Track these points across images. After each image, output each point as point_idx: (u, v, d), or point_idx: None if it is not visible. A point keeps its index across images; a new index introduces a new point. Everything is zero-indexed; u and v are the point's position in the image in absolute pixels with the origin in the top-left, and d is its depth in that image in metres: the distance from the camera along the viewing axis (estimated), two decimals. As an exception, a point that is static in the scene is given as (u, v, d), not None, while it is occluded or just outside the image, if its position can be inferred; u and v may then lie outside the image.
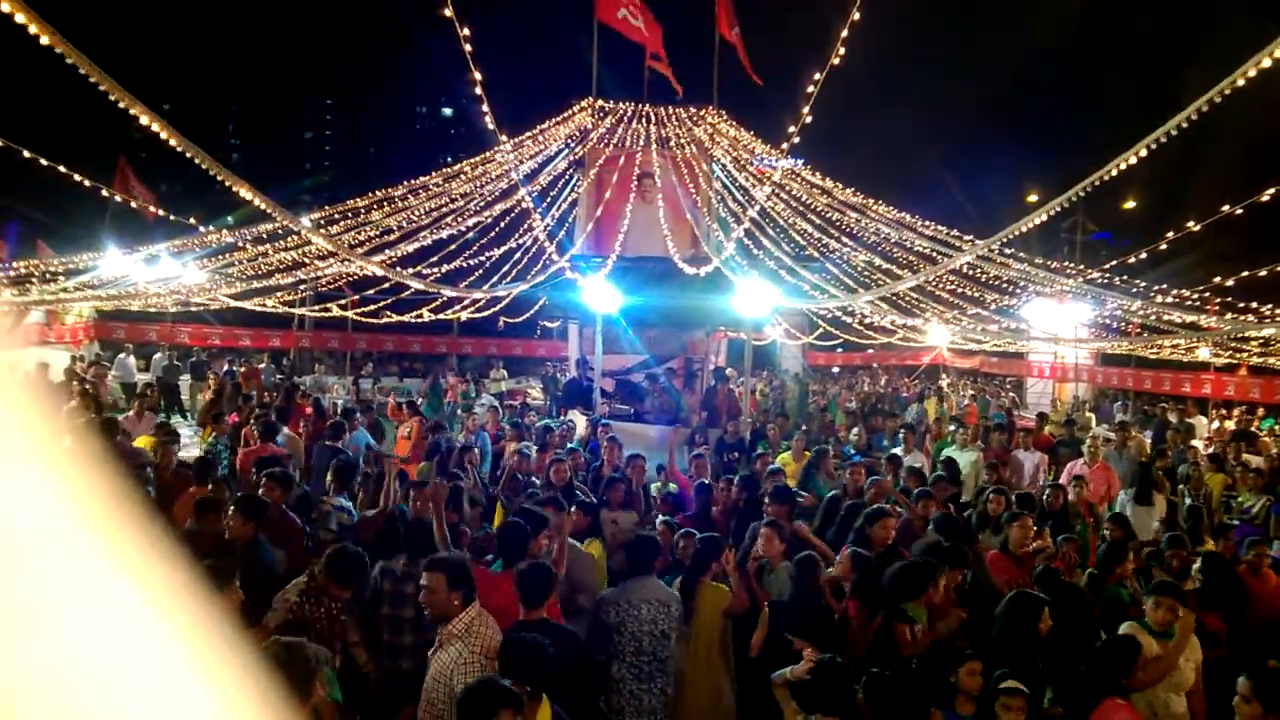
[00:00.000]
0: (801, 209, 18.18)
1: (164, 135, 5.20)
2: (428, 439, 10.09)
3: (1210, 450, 13.18)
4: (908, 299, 18.37)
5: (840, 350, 34.14)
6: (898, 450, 10.79)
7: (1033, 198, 30.21)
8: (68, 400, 11.71)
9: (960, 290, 17.82)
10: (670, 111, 20.83)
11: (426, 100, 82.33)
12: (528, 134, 19.63)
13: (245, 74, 68.74)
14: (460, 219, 18.32)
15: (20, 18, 4.11)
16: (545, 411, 17.46)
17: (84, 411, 10.94)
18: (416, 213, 17.59)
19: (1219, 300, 15.82)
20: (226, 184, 6.03)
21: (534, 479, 8.19)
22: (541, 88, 31.41)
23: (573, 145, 19.68)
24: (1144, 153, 5.61)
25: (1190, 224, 13.57)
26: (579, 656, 4.76)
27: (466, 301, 22.50)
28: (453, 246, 19.00)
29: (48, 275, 17.32)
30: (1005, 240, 8.75)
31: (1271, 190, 9.91)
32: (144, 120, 5.00)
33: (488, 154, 19.73)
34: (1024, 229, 7.60)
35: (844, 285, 17.01)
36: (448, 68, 55.30)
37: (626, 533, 6.84)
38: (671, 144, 19.79)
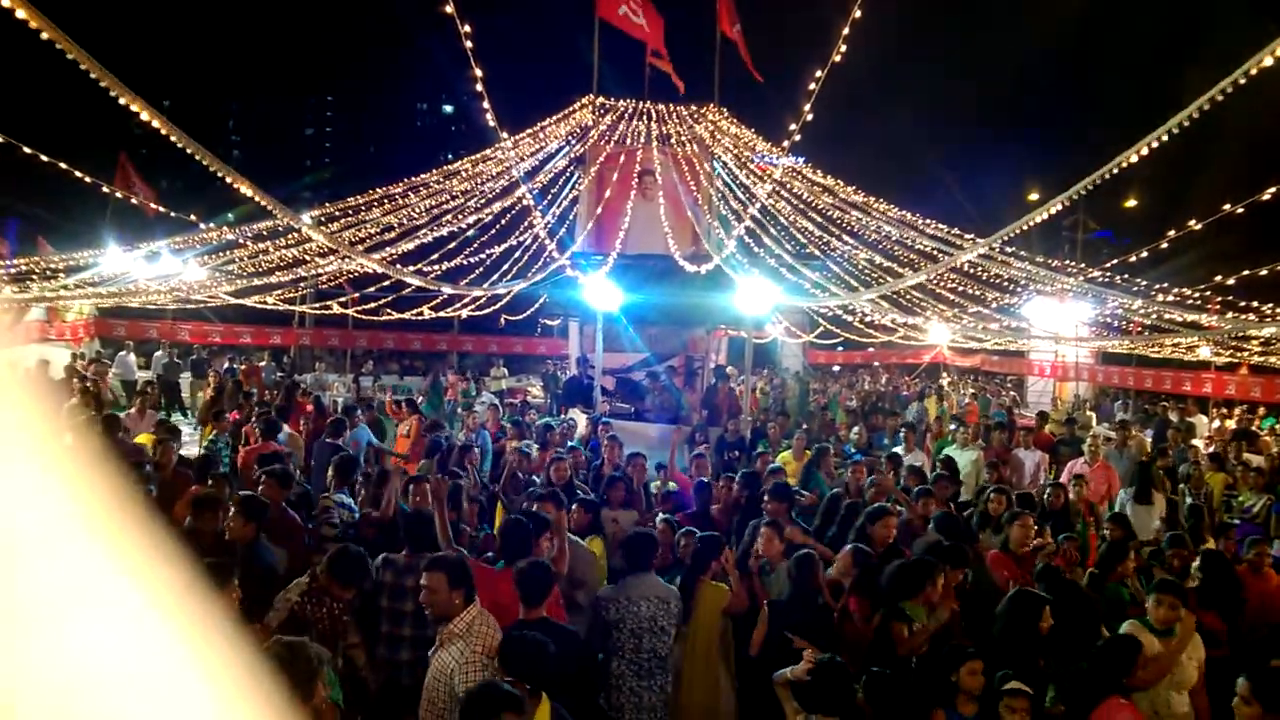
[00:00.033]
0: (803, 207, 18.17)
1: (164, 132, 5.20)
2: (426, 437, 10.10)
3: (1211, 449, 13.18)
4: (909, 297, 18.35)
5: (841, 349, 34.12)
6: (898, 449, 10.79)
7: (1033, 196, 30.21)
8: (68, 398, 11.72)
9: (961, 289, 17.82)
10: (671, 109, 20.83)
11: (427, 97, 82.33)
12: (528, 131, 19.63)
13: (246, 71, 68.72)
14: (461, 216, 18.32)
15: (21, 13, 4.11)
16: (546, 409, 17.46)
17: (84, 409, 10.95)
18: (417, 210, 17.58)
19: (1220, 299, 15.81)
20: (227, 181, 6.02)
21: (534, 478, 8.20)
22: (542, 85, 31.46)
23: (573, 142, 19.67)
24: (1145, 151, 5.61)
25: (1191, 223, 13.56)
26: (579, 655, 4.76)
27: (467, 299, 22.50)
28: (453, 244, 19.00)
29: (48, 272, 17.32)
30: (1006, 238, 8.74)
31: (1272, 189, 9.91)
32: (144, 117, 5.00)
33: (488, 151, 19.73)
34: (1025, 227, 7.59)
35: (845, 283, 17.00)
36: (448, 65, 55.32)
37: (627, 531, 6.84)
38: (672, 141, 19.79)
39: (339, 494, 6.93)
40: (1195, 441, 14.04)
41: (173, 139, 5.31)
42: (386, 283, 20.86)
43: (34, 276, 17.19)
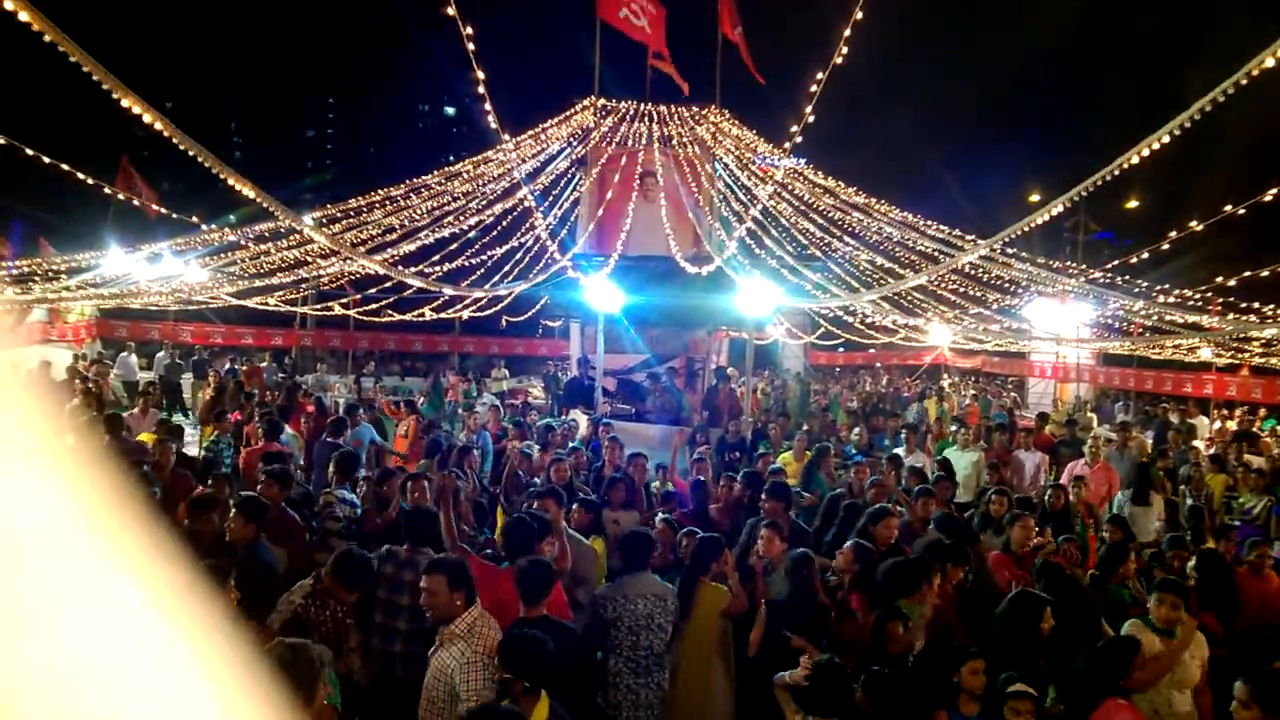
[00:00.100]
0: (804, 208, 18.18)
1: (166, 133, 5.20)
2: (424, 437, 10.13)
3: (1212, 451, 13.16)
4: (910, 298, 18.36)
5: (842, 350, 34.12)
6: (899, 450, 10.79)
7: (1034, 197, 30.19)
8: (70, 399, 11.73)
9: (962, 290, 17.82)
10: (672, 110, 20.83)
11: (429, 99, 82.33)
12: (530, 133, 19.63)
13: (247, 72, 68.74)
14: (462, 218, 18.33)
15: (24, 15, 4.12)
16: (547, 411, 17.46)
17: (86, 410, 10.96)
18: (418, 211, 17.60)
19: (1221, 300, 15.81)
20: (229, 182, 6.03)
21: (535, 479, 8.22)
22: (544, 87, 31.45)
23: (575, 144, 19.68)
24: (1146, 152, 5.61)
25: (1193, 224, 13.57)
26: (577, 653, 4.78)
27: (468, 300, 22.51)
28: (454, 246, 19.01)
29: (50, 274, 17.33)
30: (1007, 240, 8.75)
31: (1274, 190, 9.91)
32: (146, 118, 5.00)
33: (489, 153, 19.74)
34: (1026, 229, 7.59)
35: (846, 285, 17.01)
36: (450, 67, 55.48)
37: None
38: (674, 143, 19.79)
39: (341, 490, 6.94)
40: (1196, 443, 14.03)
41: (174, 140, 5.31)
42: (388, 284, 20.87)
43: (36, 278, 17.22)
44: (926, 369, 32.12)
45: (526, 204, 18.24)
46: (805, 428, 12.29)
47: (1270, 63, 4.67)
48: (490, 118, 10.25)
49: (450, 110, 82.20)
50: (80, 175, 11.69)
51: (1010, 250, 14.13)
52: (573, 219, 20.08)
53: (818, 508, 7.71)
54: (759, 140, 20.61)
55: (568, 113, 20.52)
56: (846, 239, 17.87)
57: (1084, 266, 22.16)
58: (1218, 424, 19.17)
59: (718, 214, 18.78)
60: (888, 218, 17.31)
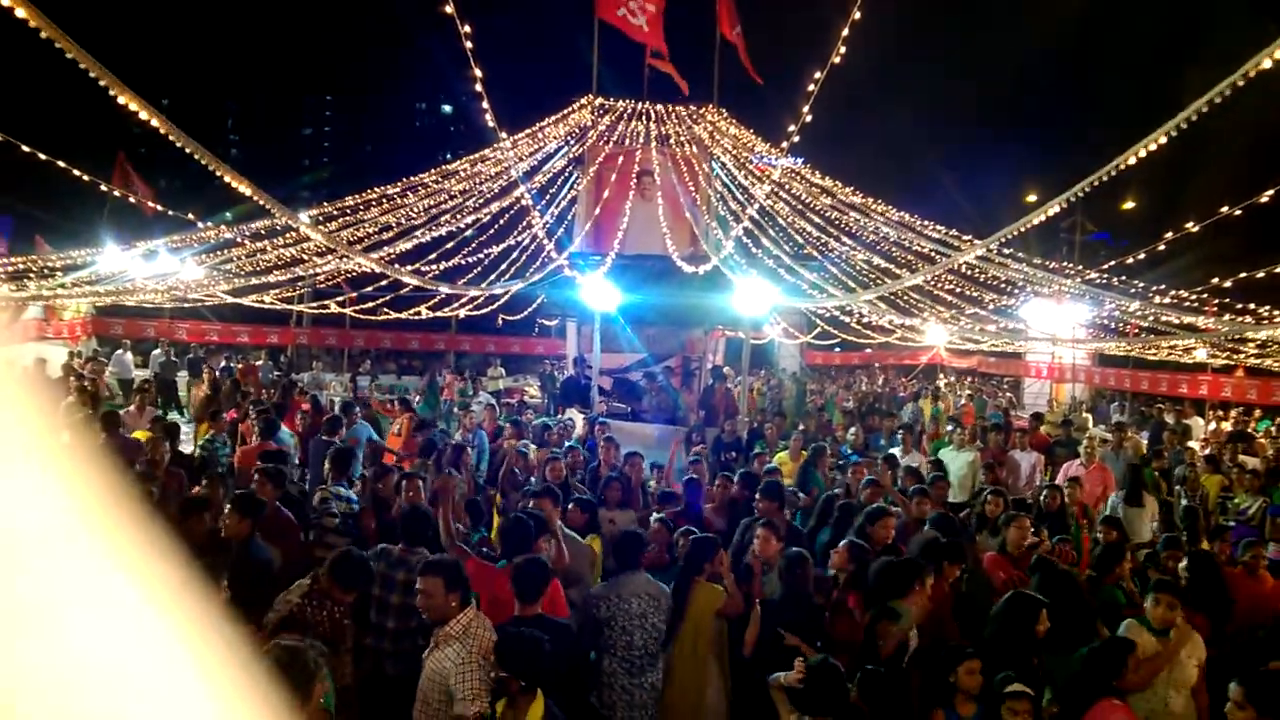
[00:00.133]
0: (801, 208, 18.18)
1: (163, 130, 5.20)
2: (417, 436, 10.14)
3: (1207, 451, 13.19)
4: (906, 298, 18.38)
5: (838, 349, 34.13)
6: (895, 450, 10.80)
7: (1031, 197, 30.23)
8: (65, 396, 11.70)
9: (959, 290, 17.84)
10: (670, 109, 20.83)
11: (426, 97, 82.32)
12: (527, 131, 19.62)
13: (245, 70, 68.68)
14: (459, 216, 18.32)
15: (21, 12, 4.10)
16: (543, 410, 17.46)
17: (81, 407, 10.94)
18: (415, 210, 17.58)
19: (1217, 301, 15.84)
20: (225, 179, 6.02)
21: (531, 478, 8.22)
22: (542, 85, 31.40)
23: (572, 143, 19.67)
24: (1143, 153, 5.62)
25: (1189, 225, 13.57)
26: (572, 652, 4.78)
27: (465, 299, 22.49)
28: (450, 245, 18.99)
29: (46, 270, 17.30)
30: (1004, 240, 8.75)
31: (1270, 192, 9.92)
32: (143, 115, 5.00)
33: (487, 151, 19.72)
34: (1023, 229, 7.60)
35: (843, 284, 17.02)
36: (448, 65, 55.38)
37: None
38: (671, 142, 19.79)
39: (337, 486, 6.93)
40: (1191, 444, 14.07)
41: (171, 138, 5.31)
42: (384, 282, 20.86)
43: (31, 275, 17.18)
44: (922, 369, 32.14)
45: (524, 202, 18.23)
46: (801, 427, 12.30)
47: (1268, 64, 4.67)
48: (488, 116, 10.26)
49: (448, 109, 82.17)
50: (76, 172, 11.67)
51: (1007, 250, 14.13)
52: (570, 218, 20.08)
53: (813, 508, 7.71)
54: (756, 140, 20.62)
55: (565, 111, 20.51)
56: (843, 239, 17.88)
57: (1080, 267, 22.19)
58: (1213, 425, 19.23)
59: (715, 213, 18.78)
60: (885, 218, 17.32)
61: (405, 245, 17.25)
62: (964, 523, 7.54)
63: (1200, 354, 21.28)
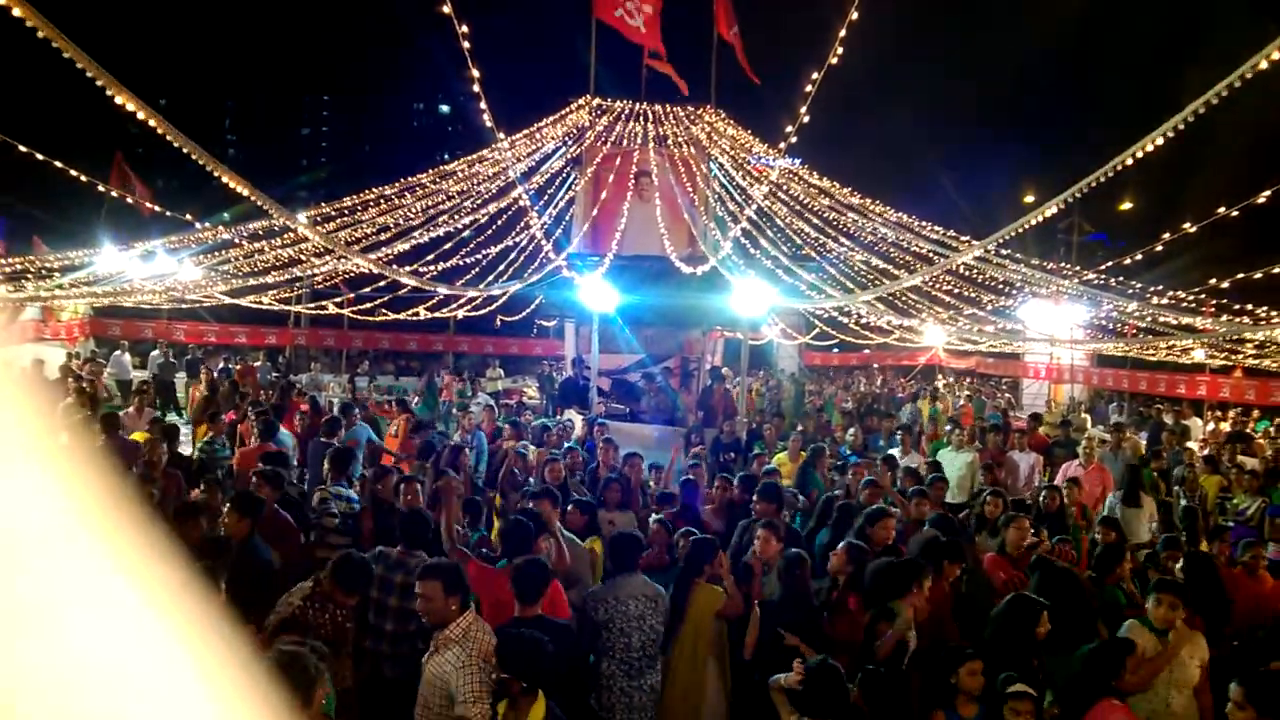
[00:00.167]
0: (799, 208, 18.19)
1: (160, 130, 5.19)
2: (414, 437, 10.14)
3: (1205, 452, 13.20)
4: (904, 299, 18.39)
5: (837, 350, 34.15)
6: (894, 451, 10.80)
7: (1029, 198, 30.28)
8: (63, 397, 11.69)
9: (957, 291, 17.85)
10: (668, 110, 20.83)
11: (424, 97, 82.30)
12: (525, 132, 19.61)
13: (243, 70, 68.65)
14: (457, 217, 18.31)
15: (17, 11, 4.10)
16: (542, 410, 17.45)
17: (80, 408, 10.93)
18: (413, 210, 17.57)
19: (1214, 302, 15.85)
20: (222, 179, 6.02)
21: (530, 479, 8.22)
22: (540, 86, 31.33)
23: (570, 143, 19.66)
24: (1140, 154, 5.62)
25: (1186, 226, 13.58)
26: (573, 653, 4.77)
27: (463, 300, 22.48)
28: (447, 245, 18.98)
29: (43, 271, 17.28)
30: (1002, 241, 8.76)
31: (1268, 192, 9.94)
32: (140, 115, 4.98)
33: (485, 151, 19.71)
34: (1020, 230, 7.60)
35: (841, 285, 17.02)
36: (446, 65, 55.31)
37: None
38: (669, 142, 19.78)
39: (337, 485, 6.92)
40: (1190, 444, 14.08)
41: (168, 137, 5.30)
42: (382, 283, 20.83)
43: (29, 276, 17.16)
44: (921, 370, 32.15)
45: (521, 203, 18.22)
46: (800, 428, 12.31)
47: (1265, 65, 4.67)
48: (486, 117, 10.26)
49: (445, 109, 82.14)
50: (74, 173, 11.66)
51: (1005, 251, 14.14)
52: (568, 218, 20.07)
53: (812, 510, 7.70)
54: (754, 140, 20.62)
55: (563, 112, 20.50)
56: (841, 239, 17.89)
57: (1078, 268, 22.20)
58: (1211, 425, 19.24)
59: (713, 214, 18.78)
60: (883, 218, 17.33)
61: (403, 246, 17.24)
62: (963, 523, 7.54)
63: (1198, 354, 21.30)
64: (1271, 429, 18.67)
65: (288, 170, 63.82)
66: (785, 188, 18.75)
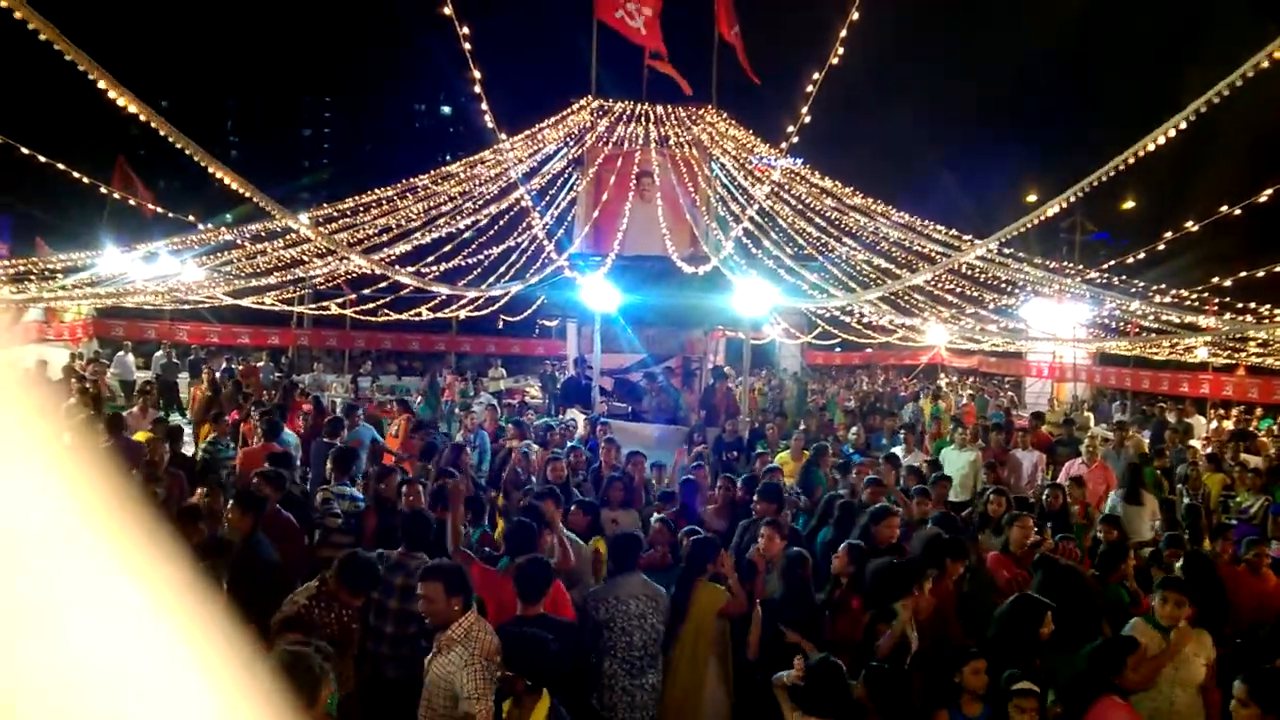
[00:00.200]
0: (800, 208, 18.18)
1: (161, 131, 5.19)
2: (414, 436, 10.15)
3: (1208, 450, 13.17)
4: (906, 298, 18.37)
5: (839, 349, 34.15)
6: (897, 449, 10.80)
7: (1031, 197, 30.26)
8: (67, 397, 11.71)
9: (959, 290, 17.82)
10: (669, 110, 20.82)
11: (426, 98, 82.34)
12: (526, 132, 19.62)
13: (244, 71, 68.72)
14: (459, 217, 18.31)
15: (19, 14, 4.10)
16: (544, 410, 17.46)
17: (83, 408, 10.95)
18: (415, 211, 17.57)
19: (1217, 300, 15.83)
20: (224, 180, 6.02)
21: (533, 478, 8.22)
22: (541, 86, 31.33)
23: (571, 144, 19.66)
24: (1142, 153, 5.62)
25: (1189, 224, 13.57)
26: (576, 652, 4.78)
27: (465, 300, 22.49)
28: (448, 247, 18.98)
29: (46, 273, 17.30)
30: (1004, 240, 8.75)
31: (1270, 191, 9.93)
32: (142, 117, 4.99)
33: (486, 153, 19.72)
34: (1023, 229, 7.60)
35: (843, 285, 17.01)
36: (447, 66, 55.27)
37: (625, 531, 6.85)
38: (670, 143, 19.78)
39: (340, 485, 6.93)
40: (1193, 442, 14.03)
41: (169, 139, 5.30)
42: (384, 284, 20.84)
43: (32, 277, 17.18)
44: (923, 369, 32.13)
45: (524, 204, 18.23)
46: (802, 427, 12.30)
47: (1267, 64, 4.67)
48: (487, 117, 10.27)
49: (447, 110, 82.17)
50: (76, 174, 11.68)
51: (1007, 250, 14.13)
52: (569, 219, 20.07)
53: (814, 510, 7.70)
54: (756, 140, 20.61)
55: (564, 113, 20.50)
56: (844, 239, 17.87)
57: (1081, 266, 22.18)
58: (1214, 423, 19.19)
59: (714, 214, 18.77)
60: (885, 218, 17.31)
61: (405, 246, 17.25)
62: (966, 522, 7.54)
63: (1201, 353, 21.28)
64: (1275, 427, 18.66)
65: (289, 171, 63.91)
66: (787, 187, 18.74)
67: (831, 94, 8.65)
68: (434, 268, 18.39)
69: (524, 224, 19.27)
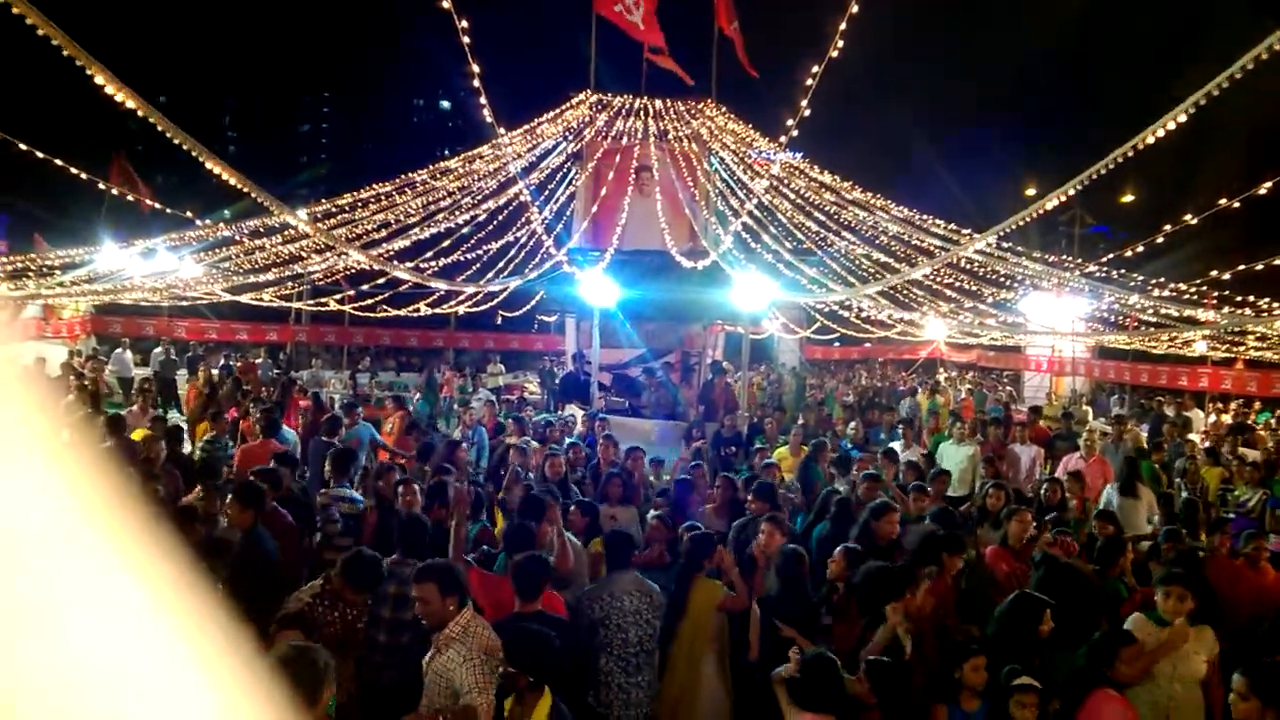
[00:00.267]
0: (800, 202, 18.16)
1: (159, 127, 5.18)
2: (409, 434, 10.14)
3: (1207, 444, 13.20)
4: (905, 293, 18.35)
5: (838, 344, 34.14)
6: (896, 444, 10.80)
7: (1031, 191, 30.26)
8: (65, 394, 11.70)
9: (958, 284, 17.80)
10: (669, 105, 20.79)
11: (424, 94, 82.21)
12: (525, 127, 19.59)
13: (243, 67, 68.57)
14: (457, 212, 18.28)
15: (16, 9, 4.09)
16: (543, 406, 17.46)
17: (81, 405, 10.94)
18: (413, 206, 17.54)
19: (1216, 294, 15.81)
20: (221, 175, 6.01)
21: (531, 475, 8.22)
22: (540, 81, 31.36)
23: (570, 138, 19.64)
24: (1142, 146, 5.61)
25: (1188, 218, 13.55)
26: (575, 649, 4.78)
27: (464, 296, 22.47)
28: (447, 243, 18.96)
29: (44, 269, 17.27)
30: (1003, 233, 8.75)
31: (1269, 184, 9.92)
32: (140, 113, 4.97)
33: (485, 148, 19.69)
34: (1022, 222, 7.59)
35: (842, 279, 16.99)
36: (446, 61, 55.23)
37: (624, 528, 6.84)
38: (669, 137, 19.76)
39: (339, 487, 6.91)
40: (1191, 436, 14.06)
41: (168, 134, 5.29)
42: (383, 279, 20.82)
43: (30, 273, 17.15)
44: (922, 363, 32.13)
45: (522, 198, 18.20)
46: (801, 422, 12.30)
47: (1266, 57, 4.66)
48: (486, 112, 10.25)
49: (446, 105, 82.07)
50: (74, 171, 11.66)
51: (1006, 244, 14.12)
52: (568, 214, 20.05)
53: (811, 506, 7.70)
54: (755, 134, 20.58)
55: (563, 107, 20.47)
56: (843, 233, 17.85)
57: (1080, 260, 22.16)
58: (1213, 417, 19.22)
59: (713, 208, 18.76)
60: (884, 212, 17.29)
61: (404, 242, 17.22)
62: (965, 516, 7.54)
63: (1200, 347, 21.27)
64: (1273, 421, 18.68)
65: (288, 167, 63.88)
66: (786, 181, 18.72)
67: (831, 88, 8.66)
68: (433, 263, 18.37)
69: (523, 219, 19.25)
